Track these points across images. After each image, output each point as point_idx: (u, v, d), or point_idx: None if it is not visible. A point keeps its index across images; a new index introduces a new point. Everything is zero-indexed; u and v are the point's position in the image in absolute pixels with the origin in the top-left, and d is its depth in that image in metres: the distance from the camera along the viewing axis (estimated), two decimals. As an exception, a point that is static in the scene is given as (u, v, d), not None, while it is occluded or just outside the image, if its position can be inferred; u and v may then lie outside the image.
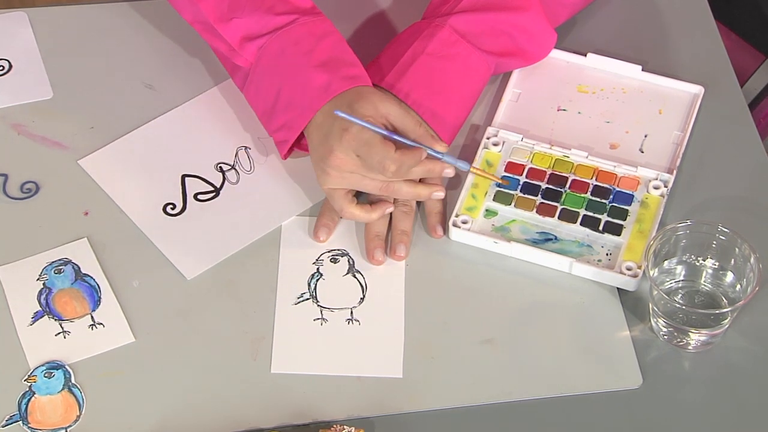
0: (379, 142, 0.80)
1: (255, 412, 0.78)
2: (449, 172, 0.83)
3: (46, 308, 0.83)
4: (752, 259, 0.79)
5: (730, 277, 0.81)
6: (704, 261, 0.81)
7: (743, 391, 0.79)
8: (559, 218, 0.85)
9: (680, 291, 0.82)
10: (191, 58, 0.94)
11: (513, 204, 0.86)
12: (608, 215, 0.85)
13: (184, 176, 0.88)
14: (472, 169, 0.83)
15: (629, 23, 0.96)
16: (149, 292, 0.83)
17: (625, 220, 0.85)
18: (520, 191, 0.86)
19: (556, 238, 0.85)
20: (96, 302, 0.83)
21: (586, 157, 0.88)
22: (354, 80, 0.82)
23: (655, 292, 0.79)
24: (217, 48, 0.87)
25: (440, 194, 0.83)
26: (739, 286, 0.80)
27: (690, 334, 0.79)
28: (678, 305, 0.79)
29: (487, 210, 0.86)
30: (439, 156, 0.82)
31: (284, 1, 0.85)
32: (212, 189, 0.88)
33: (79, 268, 0.84)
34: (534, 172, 0.87)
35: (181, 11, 0.88)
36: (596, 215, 0.85)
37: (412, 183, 0.82)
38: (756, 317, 0.81)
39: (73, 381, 0.79)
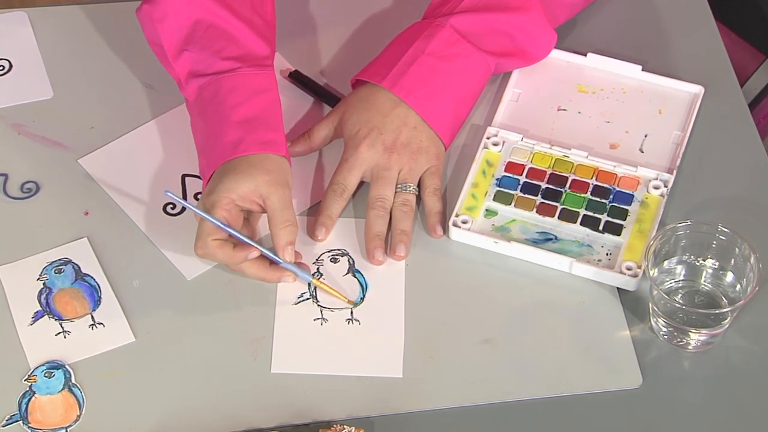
0: (203, 223, 0.79)
1: (255, 412, 0.78)
2: (288, 279, 0.80)
3: (47, 308, 0.82)
4: (752, 259, 0.78)
5: (730, 277, 0.81)
6: (704, 261, 0.81)
7: (743, 391, 0.79)
8: (559, 218, 0.85)
9: (680, 291, 0.81)
10: (191, 57, 0.94)
11: (513, 204, 0.86)
12: (608, 215, 0.85)
13: (184, 176, 0.88)
14: (314, 282, 0.81)
15: (629, 23, 0.96)
16: (149, 292, 0.83)
17: (625, 219, 0.85)
18: (520, 191, 0.86)
19: (556, 237, 0.85)
20: (96, 302, 0.83)
21: (586, 157, 0.88)
22: (266, 146, 0.82)
23: (655, 292, 0.79)
24: (170, 73, 0.88)
25: (288, 279, 0.80)
26: (739, 286, 0.80)
27: (690, 334, 0.79)
28: (678, 305, 0.79)
29: (487, 210, 0.86)
30: (280, 262, 0.79)
31: (237, 44, 0.85)
32: (212, 189, 0.88)
33: (79, 267, 0.84)
34: (534, 172, 0.87)
35: (144, 28, 0.88)
36: (596, 215, 0.85)
37: (261, 266, 0.80)
38: (756, 317, 0.81)
39: (73, 381, 0.79)
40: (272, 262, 0.81)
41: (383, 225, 0.85)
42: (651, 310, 0.81)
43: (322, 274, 0.84)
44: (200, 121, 0.85)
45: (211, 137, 0.84)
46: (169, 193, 0.80)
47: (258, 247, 0.80)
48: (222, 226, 0.79)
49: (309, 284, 0.83)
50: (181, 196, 0.87)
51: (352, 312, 0.82)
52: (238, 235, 0.80)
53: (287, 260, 0.80)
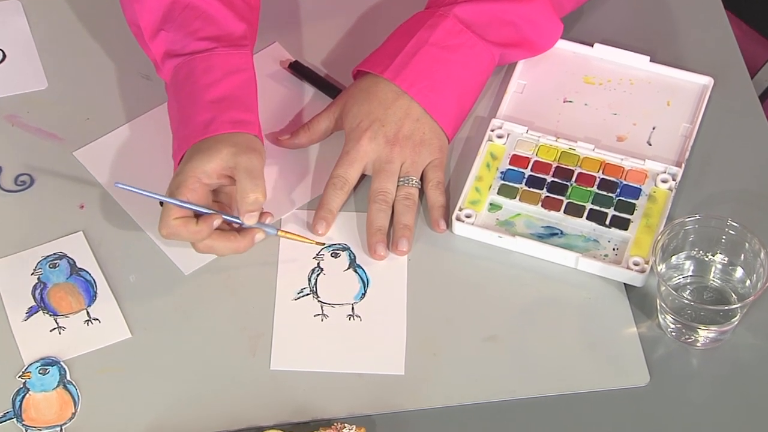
0: (165, 204, 0.79)
1: (254, 410, 0.77)
2: (258, 238, 0.80)
3: (41, 303, 0.82)
4: (762, 254, 0.78)
5: (739, 272, 0.80)
6: (713, 256, 0.80)
7: (752, 389, 0.78)
8: (564, 212, 0.84)
9: (688, 287, 0.81)
10: (189, 47, 0.93)
11: (518, 198, 0.85)
12: (615, 209, 0.84)
13: (181, 169, 0.88)
14: (280, 233, 0.81)
15: (637, 13, 0.95)
16: (146, 287, 0.82)
17: (632, 214, 0.84)
18: (525, 185, 0.85)
19: (561, 232, 0.84)
20: (92, 297, 0.82)
21: (593, 150, 0.87)
22: (237, 125, 0.81)
23: (663, 288, 0.78)
24: (147, 54, 0.87)
25: (260, 237, 0.80)
26: (748, 282, 0.79)
27: (698, 330, 0.79)
28: (686, 301, 0.78)
29: (491, 204, 0.85)
30: (242, 223, 0.79)
31: (213, 24, 0.85)
32: (210, 182, 0.87)
33: (74, 262, 0.83)
34: (539, 165, 0.86)
35: (123, 8, 0.88)
36: (603, 209, 0.84)
37: (229, 237, 0.79)
38: (766, 314, 0.80)
39: (68, 378, 0.79)
40: (240, 231, 0.80)
41: (385, 219, 0.84)
42: (658, 307, 0.80)
43: (322, 269, 0.83)
44: (175, 102, 0.85)
45: (184, 119, 0.83)
46: (119, 185, 0.79)
47: (219, 212, 0.79)
48: (181, 203, 0.78)
49: (309, 279, 0.82)
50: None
51: (353, 308, 0.82)
52: (198, 208, 0.79)
53: (250, 224, 0.80)
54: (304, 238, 0.82)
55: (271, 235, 0.81)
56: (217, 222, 0.79)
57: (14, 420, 0.77)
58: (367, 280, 0.82)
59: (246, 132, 0.81)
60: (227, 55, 0.84)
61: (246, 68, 0.84)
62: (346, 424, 0.75)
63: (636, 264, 0.81)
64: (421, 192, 0.86)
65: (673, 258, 0.80)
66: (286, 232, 0.82)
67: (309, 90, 0.92)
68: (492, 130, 0.88)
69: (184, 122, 0.83)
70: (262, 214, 0.81)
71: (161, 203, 0.85)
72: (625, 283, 0.82)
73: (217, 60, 0.83)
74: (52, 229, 0.85)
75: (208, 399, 0.78)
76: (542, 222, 0.84)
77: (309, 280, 0.82)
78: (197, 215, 0.79)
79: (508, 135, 0.88)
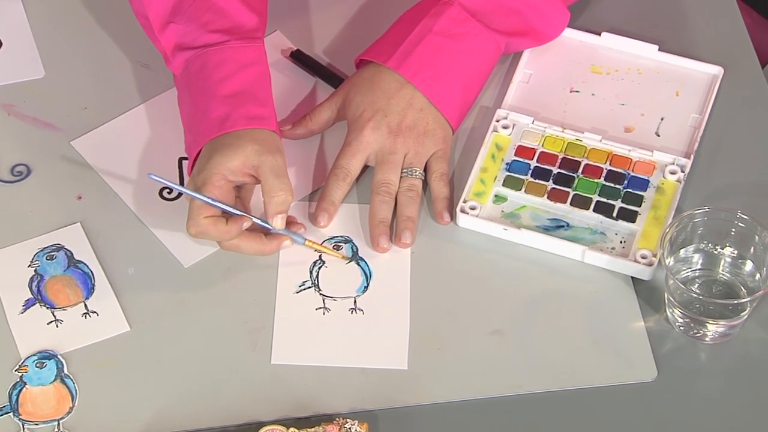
0: (193, 202, 0.78)
1: (254, 405, 0.77)
2: (285, 245, 0.80)
3: (38, 296, 0.81)
4: (773, 248, 0.77)
5: (749, 265, 0.79)
6: (722, 249, 0.80)
7: (762, 384, 0.77)
8: (571, 204, 0.83)
9: (697, 280, 0.80)
10: (189, 36, 0.92)
11: (523, 189, 0.84)
12: (622, 201, 0.84)
13: (181, 159, 0.87)
14: (308, 243, 0.81)
15: (645, 1, 0.94)
16: (145, 280, 0.82)
17: (640, 206, 0.83)
18: (531, 176, 0.85)
19: (567, 224, 0.83)
20: (89, 290, 0.81)
21: (600, 141, 0.86)
22: (253, 121, 0.81)
23: (671, 282, 0.77)
24: (156, 46, 0.86)
25: (287, 244, 0.80)
26: (758, 276, 0.79)
27: (707, 325, 0.78)
28: (695, 295, 0.77)
29: (496, 195, 0.84)
30: (272, 229, 0.79)
31: (225, 16, 0.84)
32: (210, 172, 0.86)
33: (72, 254, 0.83)
34: (545, 156, 0.85)
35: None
36: (610, 201, 0.83)
37: (255, 238, 0.79)
38: (776, 308, 0.79)
39: (65, 371, 0.78)
40: (267, 234, 0.80)
41: (388, 211, 0.83)
42: (666, 301, 0.79)
43: (324, 262, 0.82)
44: (187, 96, 0.84)
45: (198, 113, 0.82)
46: (152, 176, 0.79)
47: (249, 216, 0.79)
48: (212, 202, 0.78)
49: (311, 272, 0.82)
50: (177, 180, 0.86)
51: (355, 301, 0.81)
52: (229, 209, 0.79)
53: (278, 228, 0.79)
54: (331, 251, 0.81)
55: (299, 244, 0.81)
56: (246, 224, 0.78)
57: (11, 414, 0.77)
58: (370, 273, 0.82)
59: (263, 128, 0.81)
60: (241, 48, 0.83)
61: (260, 61, 0.84)
62: (348, 420, 0.74)
63: (643, 257, 0.80)
64: (425, 183, 0.85)
65: (682, 251, 0.80)
66: (314, 242, 0.81)
67: (311, 79, 0.91)
68: (497, 121, 0.87)
69: (198, 117, 0.82)
70: (295, 224, 0.81)
71: (163, 195, 0.84)
72: (632, 277, 0.81)
73: (230, 53, 0.83)
74: (49, 220, 0.84)
75: (207, 393, 0.77)
76: (548, 214, 0.83)
77: (311, 272, 0.82)
78: (225, 214, 0.79)
79: (514, 125, 0.87)
